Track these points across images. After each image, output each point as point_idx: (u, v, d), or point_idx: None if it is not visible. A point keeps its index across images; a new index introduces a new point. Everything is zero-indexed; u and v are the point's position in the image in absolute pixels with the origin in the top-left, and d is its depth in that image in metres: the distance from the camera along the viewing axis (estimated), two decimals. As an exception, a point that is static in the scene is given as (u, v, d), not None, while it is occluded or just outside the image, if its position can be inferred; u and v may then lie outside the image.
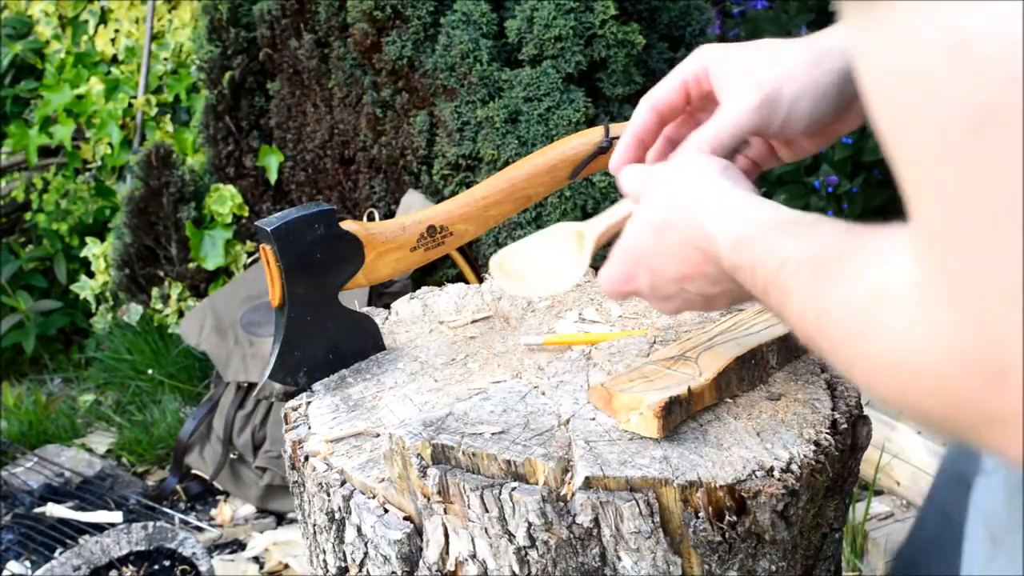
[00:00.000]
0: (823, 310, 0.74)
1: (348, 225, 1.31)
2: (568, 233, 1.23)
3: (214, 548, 2.95)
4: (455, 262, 3.05)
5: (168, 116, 3.81)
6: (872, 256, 0.69)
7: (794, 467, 1.07)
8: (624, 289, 1.09)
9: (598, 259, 1.17)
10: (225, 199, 3.44)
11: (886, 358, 0.66)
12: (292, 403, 1.29)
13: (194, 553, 2.57)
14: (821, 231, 0.82)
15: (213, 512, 3.13)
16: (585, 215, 2.90)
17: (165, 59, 3.86)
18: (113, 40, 3.95)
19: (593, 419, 1.14)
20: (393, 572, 1.13)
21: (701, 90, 1.15)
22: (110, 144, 3.78)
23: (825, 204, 3.54)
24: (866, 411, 1.20)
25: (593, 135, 1.46)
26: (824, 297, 0.74)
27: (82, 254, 3.75)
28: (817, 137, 1.15)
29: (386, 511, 1.13)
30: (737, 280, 0.94)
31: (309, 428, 1.23)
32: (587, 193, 2.95)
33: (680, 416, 1.11)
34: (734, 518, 1.05)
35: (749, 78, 1.09)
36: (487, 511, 1.05)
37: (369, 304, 1.80)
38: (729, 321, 1.26)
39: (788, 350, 1.22)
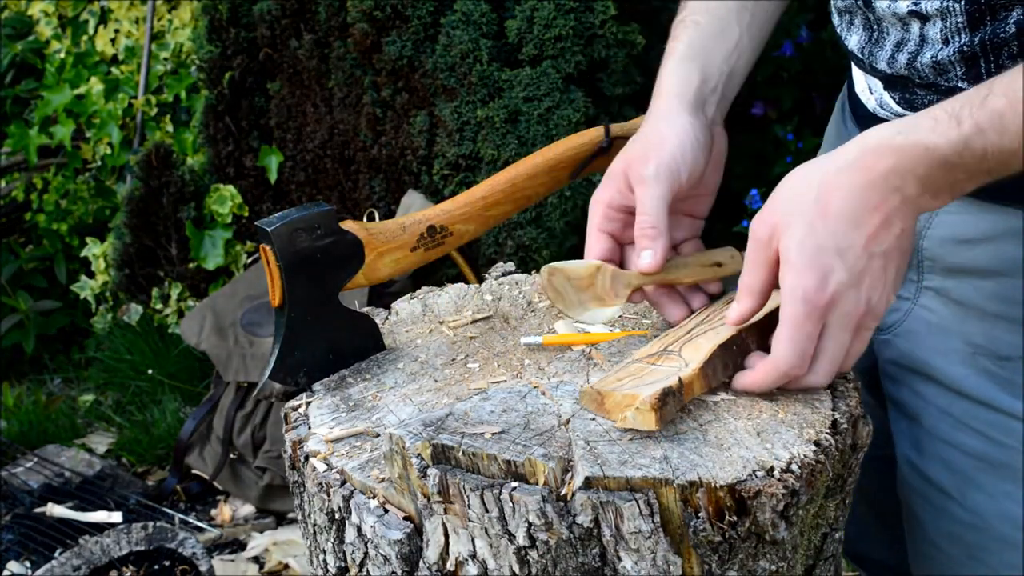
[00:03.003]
0: None
1: (348, 225, 1.31)
2: (608, 273, 1.29)
3: (214, 548, 2.95)
4: (455, 262, 3.06)
5: (168, 116, 3.81)
6: None
7: (794, 467, 1.07)
8: (823, 297, 1.09)
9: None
10: (225, 199, 3.44)
11: None
12: (292, 403, 1.29)
13: (194, 553, 2.57)
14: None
15: (213, 512, 3.13)
16: (584, 215, 2.90)
17: (165, 59, 3.86)
18: (113, 40, 3.94)
19: (593, 419, 1.14)
20: (393, 572, 1.13)
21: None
22: (110, 144, 3.78)
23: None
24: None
25: (593, 135, 1.46)
26: None
27: (82, 254, 3.75)
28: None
29: (386, 511, 1.13)
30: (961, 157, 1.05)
31: (309, 428, 1.23)
32: (587, 193, 2.95)
33: (674, 407, 1.11)
34: (734, 518, 1.05)
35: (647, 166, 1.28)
36: (487, 511, 1.05)
37: (369, 304, 1.80)
38: (703, 314, 1.29)
39: (763, 333, 1.22)
